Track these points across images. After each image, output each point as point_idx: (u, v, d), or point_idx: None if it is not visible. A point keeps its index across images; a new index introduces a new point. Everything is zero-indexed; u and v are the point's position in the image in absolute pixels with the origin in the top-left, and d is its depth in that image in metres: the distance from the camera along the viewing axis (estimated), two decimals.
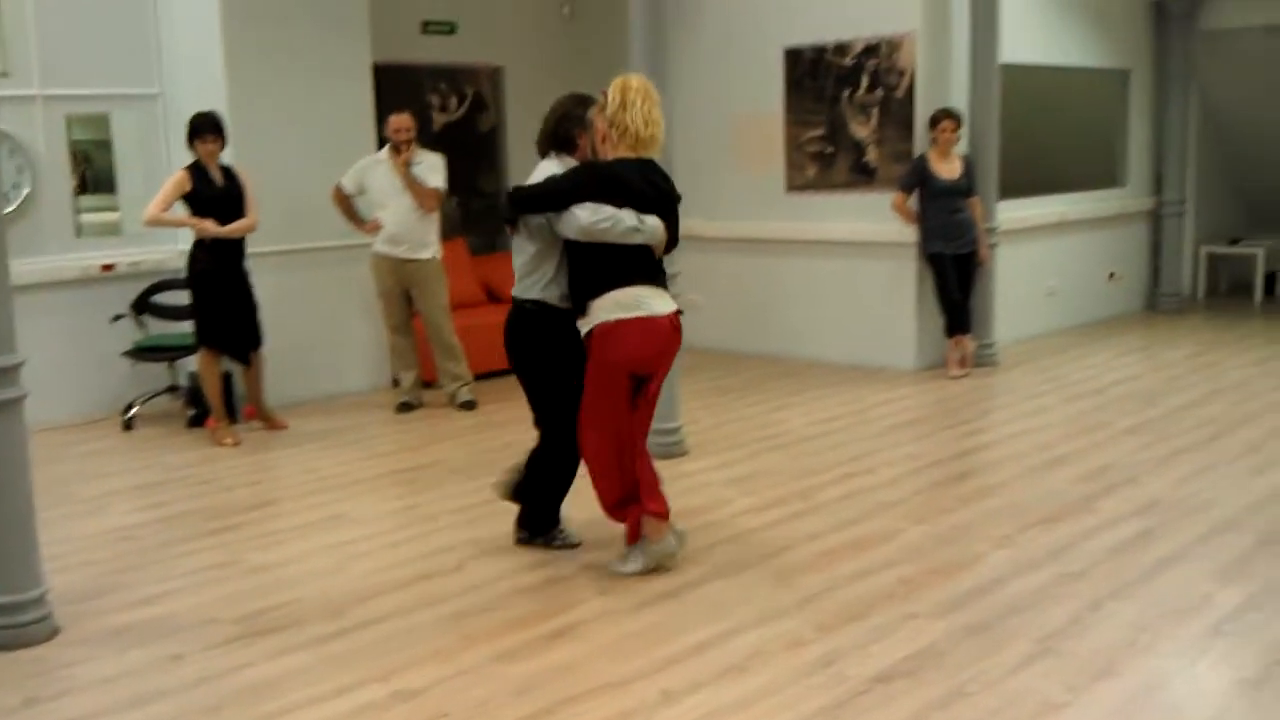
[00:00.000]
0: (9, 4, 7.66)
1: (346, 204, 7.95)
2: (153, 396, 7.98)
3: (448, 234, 8.54)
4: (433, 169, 7.84)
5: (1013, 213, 9.47)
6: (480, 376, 8.39)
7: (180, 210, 7.16)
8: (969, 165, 8.64)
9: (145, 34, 8.19)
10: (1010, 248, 9.39)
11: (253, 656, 4.22)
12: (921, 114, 8.63)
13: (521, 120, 10.22)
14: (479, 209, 10.32)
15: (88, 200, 8.19)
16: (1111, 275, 11.25)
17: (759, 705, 3.74)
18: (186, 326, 7.58)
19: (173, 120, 7.99)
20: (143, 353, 7.87)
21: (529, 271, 4.92)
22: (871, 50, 8.80)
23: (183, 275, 7.41)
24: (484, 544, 5.34)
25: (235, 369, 7.59)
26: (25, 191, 7.80)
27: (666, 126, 4.87)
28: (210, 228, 7.09)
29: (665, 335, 4.75)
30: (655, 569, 4.88)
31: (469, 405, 8.06)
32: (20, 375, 4.30)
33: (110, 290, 8.00)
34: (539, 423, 5.13)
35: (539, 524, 5.27)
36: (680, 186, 5.04)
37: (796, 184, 9.35)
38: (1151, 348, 9.86)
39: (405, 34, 9.51)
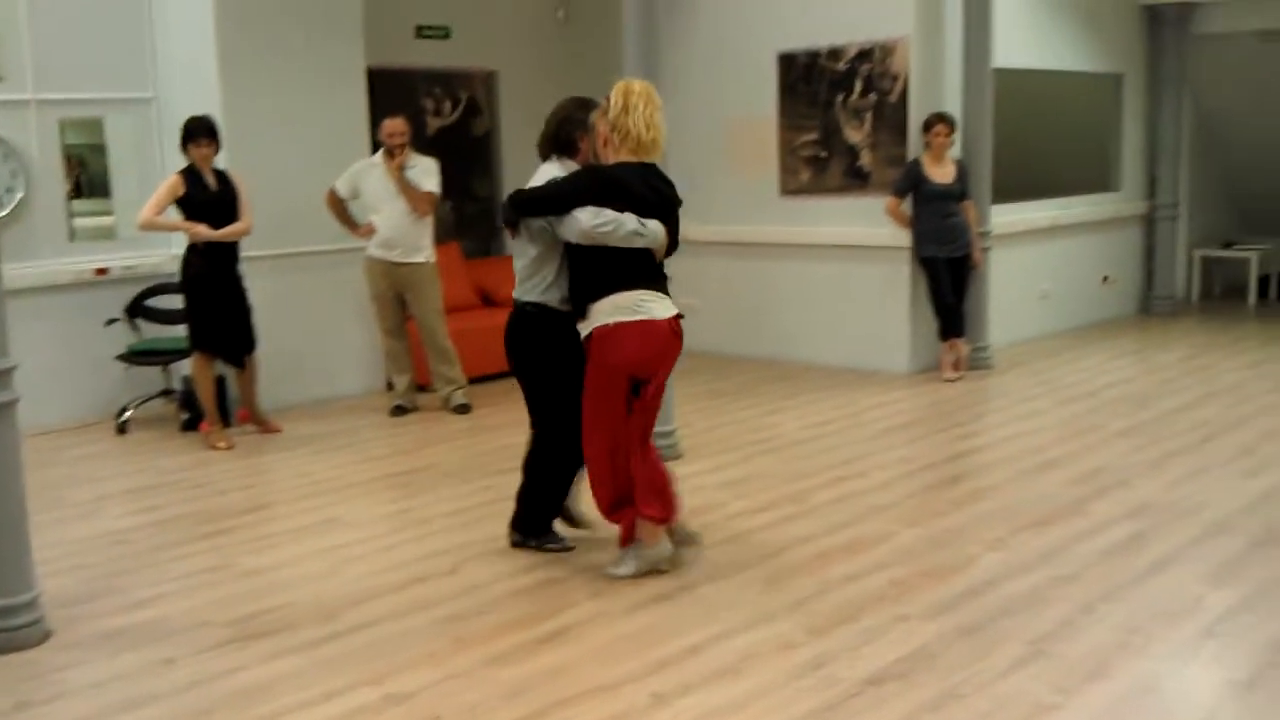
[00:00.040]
0: (2, 8, 7.67)
1: (340, 208, 7.95)
2: (146, 400, 7.97)
3: (442, 238, 8.54)
4: (426, 173, 7.85)
5: (1006, 216, 9.49)
6: (474, 380, 8.40)
7: (174, 214, 7.16)
8: (962, 169, 8.65)
9: (139, 38, 8.20)
10: (1004, 251, 9.40)
11: (245, 660, 4.22)
12: (915, 118, 8.65)
13: (515, 125, 10.25)
14: (473, 213, 10.33)
15: (82, 204, 8.19)
16: (1105, 279, 11.27)
17: (750, 708, 3.74)
18: (180, 330, 7.58)
19: (167, 124, 7.99)
20: (136, 357, 7.87)
21: (530, 274, 4.93)
22: (865, 55, 8.82)
23: (177, 279, 7.41)
24: (477, 547, 5.34)
25: (229, 373, 7.59)
26: (19, 196, 7.80)
27: None
28: (204, 232, 7.09)
29: (665, 339, 4.76)
30: (648, 572, 4.88)
31: (463, 409, 8.06)
32: (13, 379, 4.30)
33: (104, 294, 8.00)
34: (536, 425, 5.14)
35: (532, 527, 5.27)
36: None
37: (790, 188, 9.36)
38: (1145, 351, 9.88)
39: (399, 38, 9.52)
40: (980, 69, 8.76)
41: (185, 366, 7.69)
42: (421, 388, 8.36)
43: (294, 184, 8.02)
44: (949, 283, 8.62)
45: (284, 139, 8.08)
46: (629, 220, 4.66)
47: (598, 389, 4.76)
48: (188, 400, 7.78)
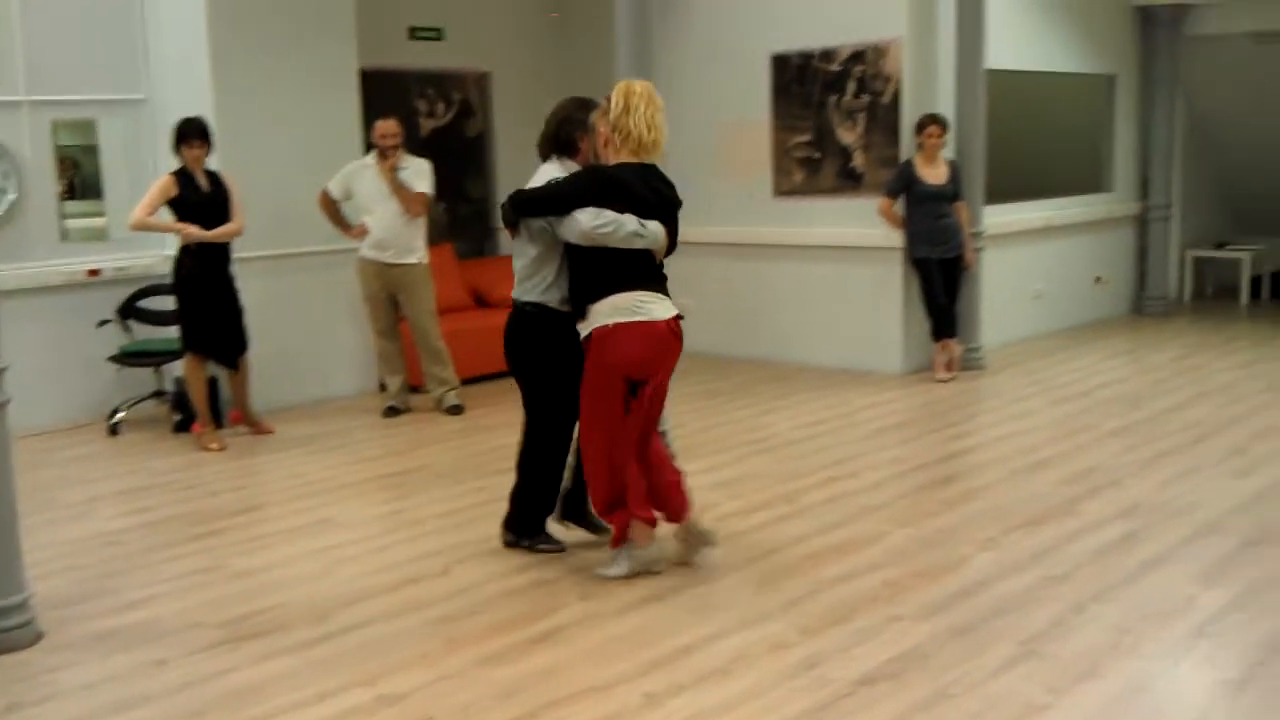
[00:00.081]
0: None
1: (333, 209, 7.94)
2: (138, 402, 7.96)
3: (435, 239, 8.54)
4: (419, 174, 7.85)
5: (999, 217, 9.50)
6: (467, 381, 8.40)
7: (166, 215, 7.15)
8: (955, 170, 8.66)
9: (132, 39, 8.19)
10: (997, 252, 9.41)
11: (237, 661, 4.22)
12: (908, 119, 8.65)
13: (509, 126, 10.26)
14: (466, 214, 10.33)
15: (74, 206, 8.18)
16: (1098, 279, 11.29)
17: (742, 708, 3.75)
18: (172, 332, 7.57)
19: (159, 126, 7.98)
20: (128, 358, 7.86)
21: (529, 274, 4.93)
22: (858, 56, 8.82)
23: (169, 280, 7.41)
24: (470, 548, 5.34)
25: (221, 374, 7.58)
26: (11, 197, 7.79)
27: None
28: (195, 232, 7.09)
29: (663, 340, 4.75)
30: (640, 573, 4.88)
31: (456, 410, 8.06)
32: (4, 380, 4.30)
33: (96, 295, 7.99)
34: (531, 425, 5.13)
35: (525, 526, 5.27)
36: None
37: (784, 189, 9.36)
38: (1137, 351, 9.89)
39: (392, 40, 9.52)
40: (973, 70, 8.77)
41: (177, 368, 7.68)
42: (414, 389, 8.35)
43: (286, 185, 8.01)
44: (942, 283, 8.63)
45: (276, 140, 8.07)
46: (629, 221, 4.66)
47: (595, 389, 4.76)
48: (180, 401, 7.77)
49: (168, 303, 7.57)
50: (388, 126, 7.75)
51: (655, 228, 4.74)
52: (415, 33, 9.74)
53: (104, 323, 7.87)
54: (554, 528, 5.30)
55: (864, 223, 8.87)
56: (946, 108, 8.81)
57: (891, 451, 6.91)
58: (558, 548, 5.23)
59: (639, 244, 4.70)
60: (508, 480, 5.33)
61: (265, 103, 8.03)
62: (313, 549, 5.43)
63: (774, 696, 3.82)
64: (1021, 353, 9.70)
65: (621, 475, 4.82)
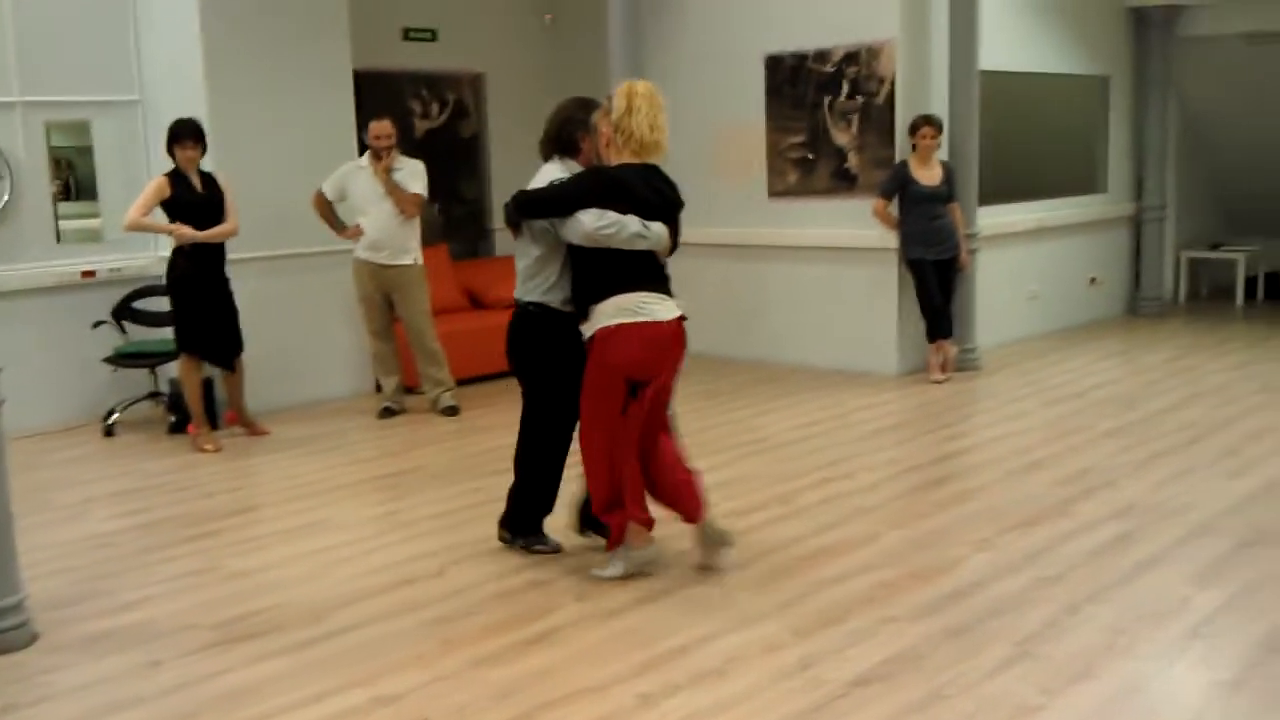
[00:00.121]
0: None
1: (327, 210, 7.94)
2: (134, 403, 7.96)
3: (430, 240, 8.54)
4: (413, 175, 7.85)
5: (993, 218, 9.51)
6: (462, 382, 8.40)
7: (160, 216, 7.15)
8: (949, 171, 8.67)
9: (125, 41, 8.19)
10: (991, 253, 9.42)
11: (231, 662, 4.22)
12: (902, 120, 8.66)
13: (503, 127, 10.27)
14: (461, 215, 10.33)
15: (69, 207, 8.18)
16: (1093, 280, 11.30)
17: (736, 709, 3.75)
18: (167, 333, 7.57)
19: (153, 127, 7.98)
20: (123, 359, 7.86)
21: (532, 275, 4.92)
22: (851, 57, 8.83)
23: (163, 281, 7.40)
24: (465, 549, 5.34)
25: (216, 375, 7.57)
26: (4, 199, 7.78)
27: None
28: (188, 233, 7.08)
29: (665, 341, 4.75)
30: (635, 574, 4.88)
31: (451, 410, 8.06)
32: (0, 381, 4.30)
33: (91, 297, 7.98)
34: (532, 424, 5.12)
35: (522, 525, 5.27)
36: None
37: (778, 190, 9.37)
38: (1131, 352, 9.90)
39: (386, 41, 9.53)
40: (967, 71, 8.78)
41: (172, 369, 7.68)
42: (409, 390, 8.35)
43: (281, 186, 8.01)
44: (936, 284, 8.64)
45: (271, 141, 8.07)
46: (632, 223, 4.65)
47: (596, 389, 4.76)
48: (175, 403, 7.77)
49: (162, 304, 7.57)
50: (382, 127, 7.75)
51: (658, 229, 4.73)
52: (409, 34, 9.75)
53: (99, 324, 7.87)
54: (565, 532, 5.29)
55: (858, 224, 8.87)
56: (940, 109, 8.81)
57: (886, 452, 6.92)
58: (552, 549, 5.23)
59: (642, 245, 4.70)
60: (503, 481, 5.33)
61: (259, 104, 8.03)
62: (308, 550, 5.43)
63: (768, 697, 3.82)
64: (1016, 354, 9.71)
65: (620, 476, 4.82)
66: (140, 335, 7.99)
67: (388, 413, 8.08)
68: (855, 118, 8.88)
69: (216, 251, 7.26)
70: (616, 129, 4.71)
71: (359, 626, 4.50)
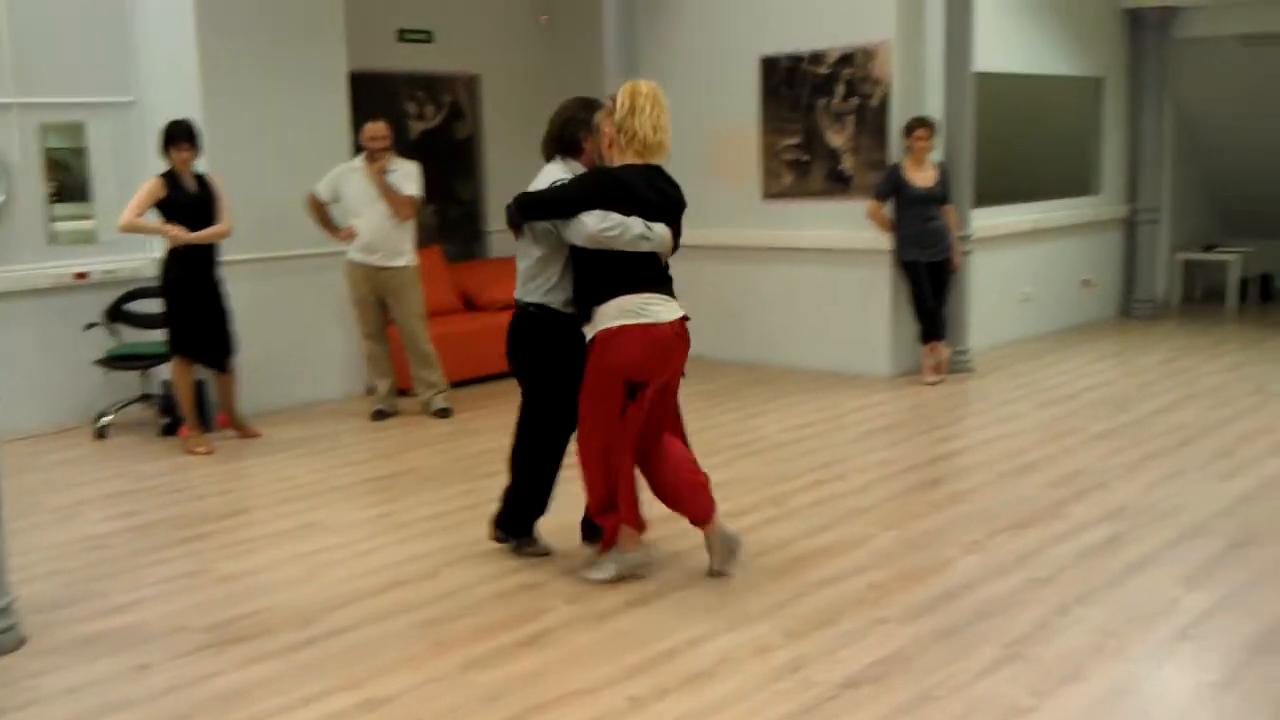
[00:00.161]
0: None
1: (321, 211, 7.94)
2: (126, 405, 7.95)
3: (424, 242, 8.54)
4: (408, 177, 7.84)
5: (987, 220, 9.51)
6: (456, 384, 8.40)
7: (153, 218, 7.14)
8: (944, 173, 8.68)
9: (121, 42, 8.18)
10: (985, 255, 9.43)
11: (222, 665, 4.22)
12: (896, 122, 8.67)
13: (498, 128, 10.27)
14: (456, 217, 10.33)
15: (63, 208, 8.17)
16: (1086, 282, 11.31)
17: (726, 711, 3.75)
18: (160, 335, 7.56)
19: (148, 128, 7.96)
20: (116, 361, 7.85)
21: (533, 275, 4.91)
22: (846, 59, 8.84)
23: (156, 283, 7.39)
24: (457, 551, 5.34)
25: (209, 377, 7.57)
26: None
27: None
28: (180, 234, 7.07)
29: (666, 342, 4.73)
30: (626, 577, 4.88)
31: (444, 413, 8.06)
32: None
33: (83, 298, 7.97)
34: (529, 425, 5.12)
35: (514, 526, 5.26)
36: None
37: (773, 191, 9.38)
38: (1125, 354, 9.91)
39: (381, 42, 9.52)
40: (961, 73, 8.79)
41: (165, 371, 7.67)
42: (402, 392, 8.35)
43: (275, 187, 8.01)
44: (930, 286, 8.65)
45: (265, 142, 8.07)
46: (635, 224, 4.64)
47: (595, 390, 4.74)
48: (167, 405, 7.76)
49: (155, 306, 7.56)
50: (377, 129, 7.75)
51: (661, 230, 4.72)
52: (404, 35, 9.75)
53: (91, 326, 7.86)
54: (558, 535, 5.29)
55: (852, 225, 8.88)
56: (935, 110, 8.82)
57: (879, 454, 6.92)
58: (543, 552, 5.22)
59: (645, 247, 4.68)
60: (496, 483, 5.34)
61: (254, 105, 8.03)
62: (299, 552, 5.43)
63: (758, 699, 3.82)
64: (1009, 355, 9.72)
65: (616, 478, 4.82)
66: (133, 337, 7.98)
67: (380, 415, 8.08)
68: (850, 119, 8.88)
69: (209, 253, 7.26)
70: (619, 129, 4.70)
71: (350, 629, 4.50)
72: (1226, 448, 6.74)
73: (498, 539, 5.30)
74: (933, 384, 8.63)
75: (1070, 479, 6.20)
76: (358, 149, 8.00)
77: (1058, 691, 3.83)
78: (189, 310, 7.22)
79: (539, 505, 5.22)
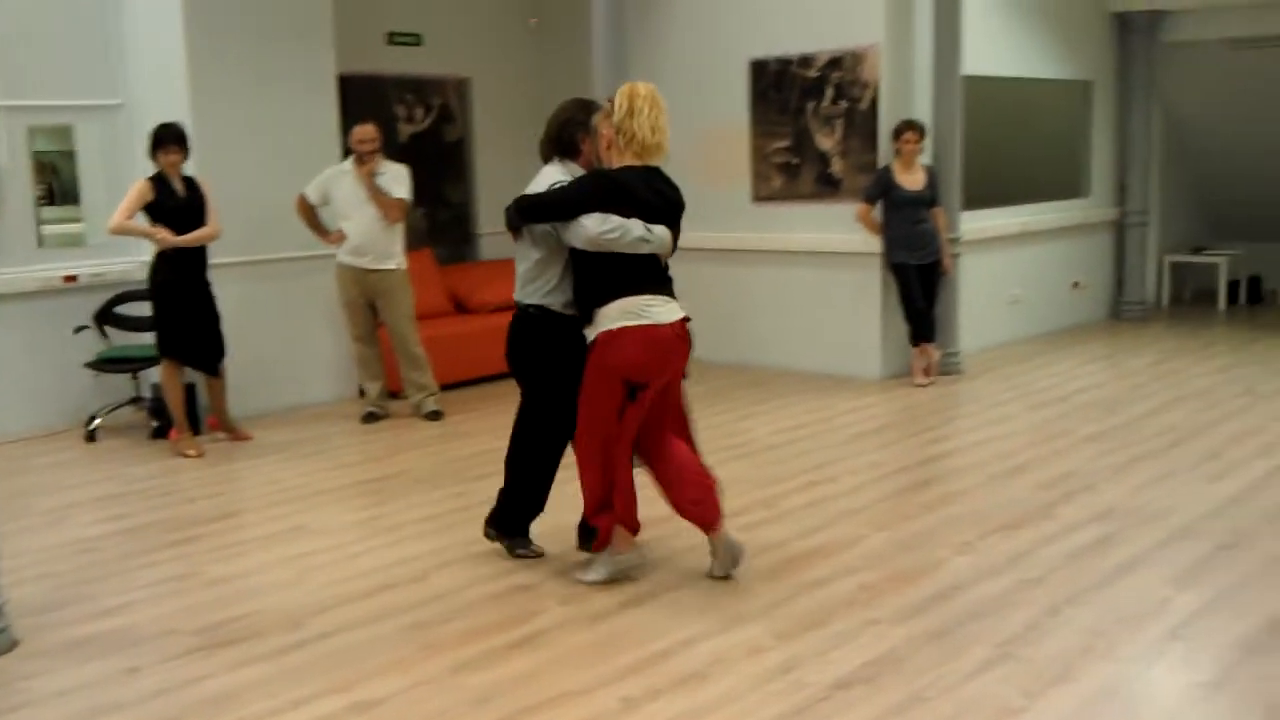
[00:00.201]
0: None
1: (311, 214, 7.93)
2: (116, 408, 7.93)
3: (414, 244, 8.53)
4: (397, 180, 7.84)
5: (977, 223, 9.53)
6: (446, 387, 8.39)
7: (142, 220, 7.13)
8: (932, 176, 8.69)
9: (108, 45, 8.16)
10: (974, 257, 9.45)
11: (212, 668, 4.21)
12: (885, 125, 8.68)
13: (488, 131, 10.27)
14: (445, 219, 10.33)
15: (51, 211, 8.16)
16: (1076, 284, 11.34)
17: (718, 712, 3.75)
18: (149, 338, 7.54)
19: (137, 131, 7.94)
20: (105, 364, 7.83)
21: (532, 278, 4.90)
22: (835, 63, 8.85)
23: (146, 286, 7.38)
24: (448, 554, 5.34)
25: (198, 380, 7.55)
26: None
27: None
28: (168, 237, 7.06)
29: (666, 344, 4.72)
30: (619, 578, 4.88)
31: (435, 415, 8.05)
32: None
33: (73, 301, 7.94)
34: (527, 426, 5.11)
35: (508, 526, 5.25)
36: None
37: (762, 194, 9.39)
38: (1115, 356, 9.93)
39: (371, 45, 9.52)
40: (950, 76, 8.81)
41: (154, 374, 7.65)
42: (393, 394, 8.34)
43: (264, 190, 7.99)
44: (919, 289, 8.66)
45: (254, 145, 8.05)
46: (635, 226, 4.64)
47: (593, 391, 4.74)
48: (157, 408, 7.74)
49: (145, 309, 7.53)
50: (366, 132, 7.74)
51: (661, 232, 4.71)
52: (394, 38, 9.74)
53: (81, 329, 7.84)
54: (551, 536, 5.28)
55: (842, 228, 8.89)
56: (924, 113, 8.84)
57: (870, 456, 6.93)
58: (535, 553, 5.22)
59: (645, 249, 4.68)
60: (487, 486, 5.34)
61: (243, 108, 8.01)
62: (289, 555, 5.42)
63: (750, 700, 3.82)
64: (999, 358, 9.73)
65: (612, 479, 4.81)
66: (122, 340, 7.96)
67: (371, 418, 8.07)
68: (839, 123, 8.89)
69: (199, 256, 7.24)
70: (618, 131, 4.69)
71: (340, 632, 4.49)
72: (1216, 449, 6.76)
73: (489, 536, 5.29)
74: (923, 386, 8.65)
75: (1060, 481, 6.22)
76: (347, 152, 7.99)
77: (1048, 692, 3.83)
78: (178, 313, 7.20)
79: (535, 506, 5.22)
